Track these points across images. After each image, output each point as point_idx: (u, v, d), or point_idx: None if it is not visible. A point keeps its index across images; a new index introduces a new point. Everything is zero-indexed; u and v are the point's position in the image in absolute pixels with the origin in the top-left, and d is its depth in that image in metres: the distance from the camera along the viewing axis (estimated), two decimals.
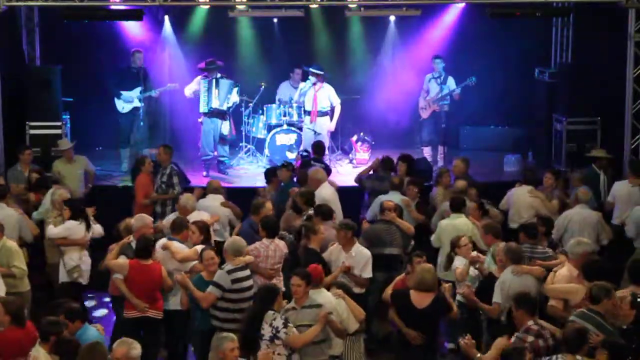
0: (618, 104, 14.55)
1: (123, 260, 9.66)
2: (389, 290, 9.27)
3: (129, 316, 9.52)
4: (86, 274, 10.84)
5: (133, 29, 16.43)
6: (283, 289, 9.27)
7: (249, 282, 9.19)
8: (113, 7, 14.13)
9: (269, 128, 16.09)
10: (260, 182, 13.33)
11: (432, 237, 11.12)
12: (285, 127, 15.92)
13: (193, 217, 10.78)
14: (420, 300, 8.57)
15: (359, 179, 13.22)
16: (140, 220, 10.24)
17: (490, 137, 17.52)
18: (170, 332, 9.94)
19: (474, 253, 9.94)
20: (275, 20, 17.05)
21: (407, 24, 17.01)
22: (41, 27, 15.79)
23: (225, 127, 15.62)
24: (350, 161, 16.36)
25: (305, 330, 8.26)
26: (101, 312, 11.71)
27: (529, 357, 7.31)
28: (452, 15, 16.82)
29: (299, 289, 8.42)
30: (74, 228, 10.78)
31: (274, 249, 9.93)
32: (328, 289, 8.94)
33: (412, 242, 11.15)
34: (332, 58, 17.14)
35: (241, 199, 12.27)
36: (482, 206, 11.24)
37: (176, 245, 9.85)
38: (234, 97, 15.57)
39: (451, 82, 15.80)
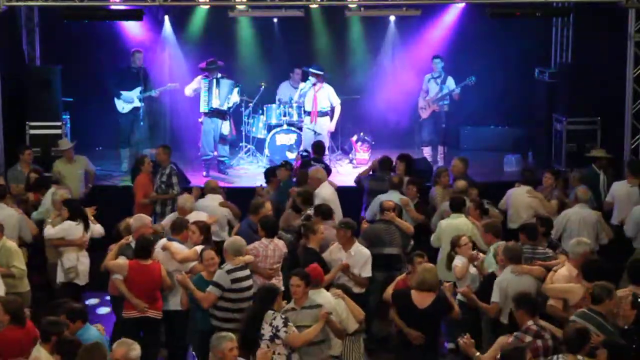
0: (618, 104, 14.55)
1: (122, 260, 9.65)
2: (389, 290, 9.27)
3: (128, 316, 9.51)
4: (83, 274, 10.81)
5: (133, 29, 16.44)
6: (282, 288, 9.27)
7: (249, 282, 9.19)
8: (113, 7, 14.14)
9: (269, 128, 16.10)
10: (260, 182, 13.31)
11: (432, 237, 11.13)
12: (285, 127, 15.92)
13: (191, 217, 10.77)
14: (422, 300, 8.57)
15: (358, 179, 13.24)
16: (139, 220, 10.24)
17: (490, 137, 17.52)
18: (170, 332, 9.94)
19: (473, 251, 9.96)
20: (275, 20, 17.06)
21: (407, 24, 17.01)
22: (41, 27, 15.79)
23: (226, 127, 15.62)
24: (350, 161, 16.36)
25: (305, 330, 8.26)
26: (104, 309, 11.68)
27: (529, 357, 7.31)
28: (452, 15, 16.82)
29: (298, 289, 8.42)
30: (72, 229, 10.77)
31: (273, 248, 9.93)
32: (327, 289, 8.95)
33: (412, 242, 11.16)
34: (332, 58, 17.14)
35: (241, 199, 12.27)
36: (482, 206, 11.24)
37: (176, 245, 9.85)
38: (235, 98, 15.57)
39: (451, 82, 15.81)
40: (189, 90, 15.55)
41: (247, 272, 9.22)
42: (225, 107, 15.45)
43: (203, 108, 15.38)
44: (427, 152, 15.97)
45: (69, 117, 15.68)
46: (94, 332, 8.08)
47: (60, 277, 10.83)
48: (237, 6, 15.27)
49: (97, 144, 16.78)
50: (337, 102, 15.68)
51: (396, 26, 17.27)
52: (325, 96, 15.60)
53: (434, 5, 16.41)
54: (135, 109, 15.67)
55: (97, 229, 11.06)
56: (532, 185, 12.32)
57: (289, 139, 15.90)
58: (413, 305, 8.57)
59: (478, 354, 7.75)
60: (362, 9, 15.61)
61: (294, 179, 12.60)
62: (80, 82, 16.09)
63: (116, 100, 15.65)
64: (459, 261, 9.94)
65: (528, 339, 7.71)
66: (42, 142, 14.64)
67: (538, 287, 8.99)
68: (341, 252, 9.97)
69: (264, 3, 14.64)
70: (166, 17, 16.82)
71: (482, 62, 16.43)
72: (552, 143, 15.92)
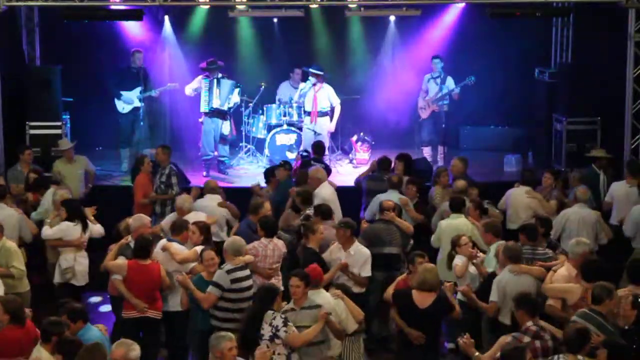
0: (618, 104, 14.56)
1: (121, 260, 9.64)
2: (390, 290, 9.26)
3: (128, 316, 9.50)
4: (81, 275, 10.78)
5: (133, 29, 16.44)
6: (282, 288, 9.27)
7: (249, 282, 9.19)
8: (113, 7, 14.14)
9: (269, 128, 16.10)
10: (256, 180, 13.30)
11: (432, 238, 11.12)
12: (285, 127, 15.92)
13: (190, 217, 10.77)
14: (422, 300, 8.57)
15: (357, 181, 13.24)
16: (138, 220, 10.24)
17: (490, 137, 17.52)
18: (170, 333, 9.94)
19: (472, 249, 9.96)
20: (275, 20, 17.06)
21: (407, 24, 17.01)
22: (41, 27, 15.79)
23: (226, 127, 15.63)
24: (350, 161, 16.36)
25: (305, 331, 8.25)
26: (106, 307, 11.65)
27: (529, 358, 7.31)
28: (452, 15, 16.82)
29: (298, 289, 8.41)
30: (69, 229, 10.75)
31: (273, 248, 9.93)
32: (327, 289, 8.94)
33: (411, 242, 11.16)
34: (332, 58, 17.14)
35: (241, 199, 12.27)
36: (481, 206, 11.23)
37: (176, 246, 9.84)
38: (235, 98, 15.58)
39: (450, 82, 15.82)
40: (189, 90, 15.55)
41: (247, 272, 9.23)
42: (225, 107, 15.46)
43: (203, 108, 15.38)
44: (427, 152, 15.97)
45: (69, 117, 15.69)
46: (95, 332, 8.08)
47: (57, 278, 10.82)
48: (237, 6, 15.27)
49: (97, 144, 16.78)
50: (337, 102, 15.68)
51: (396, 26, 17.27)
52: (325, 96, 15.60)
53: (434, 5, 16.41)
54: (136, 109, 15.67)
55: (97, 229, 11.05)
56: (531, 185, 12.32)
57: (289, 139, 15.91)
58: (414, 305, 8.57)
59: (477, 353, 7.75)
60: (362, 9, 15.61)
61: (293, 179, 12.61)
62: (80, 82, 16.10)
63: (116, 101, 15.65)
64: (459, 260, 9.95)
65: (526, 339, 7.71)
66: (42, 142, 14.64)
67: (538, 287, 8.99)
68: (341, 251, 9.98)
69: (264, 3, 14.64)
70: (166, 17, 16.82)
71: (482, 62, 16.43)
72: (552, 143, 15.92)
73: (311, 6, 15.65)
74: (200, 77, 15.48)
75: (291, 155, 15.39)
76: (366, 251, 10.03)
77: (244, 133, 16.34)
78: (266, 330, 8.09)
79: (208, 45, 16.73)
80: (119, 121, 15.78)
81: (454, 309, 8.75)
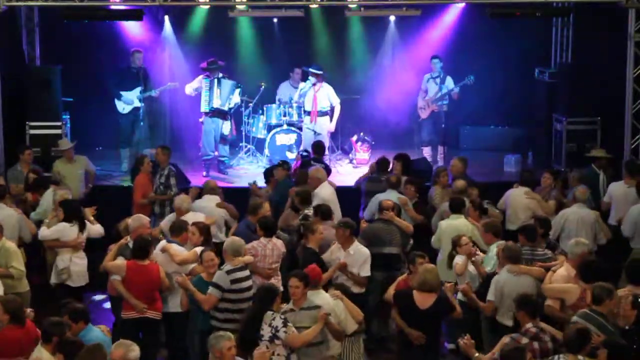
0: (618, 104, 14.56)
1: (120, 261, 9.63)
2: (391, 291, 9.25)
3: (127, 317, 9.49)
4: (78, 275, 10.73)
5: (133, 29, 16.44)
6: (281, 288, 9.27)
7: (249, 283, 9.18)
8: (113, 7, 14.14)
9: (269, 128, 16.10)
10: (259, 182, 13.30)
11: (433, 239, 11.10)
12: (285, 127, 15.92)
13: (188, 217, 10.76)
14: (423, 300, 8.56)
15: (357, 182, 13.23)
16: (137, 220, 10.21)
17: (490, 137, 17.52)
18: (170, 334, 9.92)
19: (472, 247, 9.96)
20: (275, 20, 17.06)
21: (407, 24, 17.01)
22: (41, 27, 15.79)
23: (227, 127, 15.63)
24: (350, 161, 16.36)
25: (304, 331, 8.25)
26: (109, 305, 11.65)
27: (529, 358, 7.31)
28: (452, 15, 16.82)
29: (297, 290, 8.41)
30: (65, 230, 10.71)
31: (272, 248, 9.93)
32: (326, 289, 8.94)
33: (411, 241, 11.15)
34: (332, 58, 17.14)
35: (240, 199, 12.28)
36: (481, 206, 11.23)
37: (175, 247, 9.81)
38: (236, 98, 15.58)
39: (449, 82, 15.83)
40: (189, 89, 15.55)
41: (246, 272, 9.22)
42: (226, 108, 15.46)
43: (204, 108, 15.39)
44: (427, 152, 15.98)
45: (69, 117, 15.69)
46: (96, 333, 8.08)
47: (53, 278, 10.79)
48: (237, 6, 15.27)
49: (97, 144, 16.78)
50: (336, 101, 15.68)
51: (396, 26, 17.27)
52: (325, 96, 15.60)
53: (434, 5, 16.41)
54: (136, 109, 15.67)
55: (96, 229, 11.02)
56: (530, 185, 12.31)
57: (289, 139, 15.91)
58: (414, 306, 8.56)
59: (478, 354, 7.75)
60: (362, 9, 15.61)
61: (293, 179, 12.61)
62: (80, 82, 16.10)
63: (116, 101, 15.65)
64: (459, 259, 9.95)
65: (525, 340, 7.71)
66: (42, 142, 14.64)
67: (537, 288, 8.99)
68: (341, 251, 9.98)
69: (264, 3, 14.64)
70: (166, 17, 16.82)
71: (482, 62, 16.43)
72: (552, 143, 15.92)
73: (311, 6, 15.65)
74: (200, 76, 15.48)
75: (291, 155, 15.40)
76: (365, 251, 10.03)
77: (244, 133, 16.34)
78: (266, 331, 8.09)
79: (208, 45, 16.73)
80: (119, 121, 15.78)
81: (454, 310, 8.75)
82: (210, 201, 11.85)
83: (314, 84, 15.51)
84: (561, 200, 12.05)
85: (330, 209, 10.94)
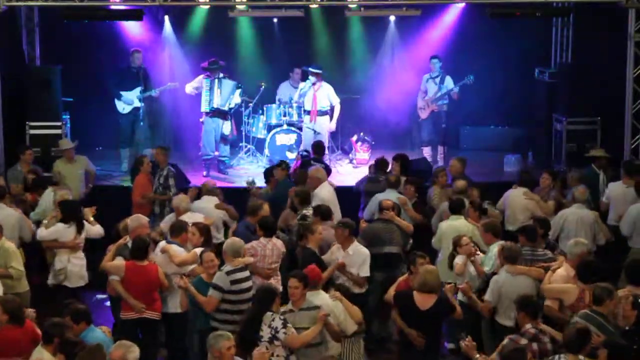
0: (618, 104, 14.56)
1: (119, 261, 9.62)
2: (391, 291, 9.24)
3: (126, 317, 9.48)
4: (75, 276, 10.72)
5: (133, 29, 16.44)
6: (281, 288, 9.27)
7: (248, 283, 9.17)
8: (113, 7, 14.15)
9: (269, 128, 16.10)
10: (259, 182, 13.30)
11: (433, 240, 11.09)
12: (285, 127, 15.92)
13: (186, 217, 10.75)
14: (423, 301, 8.55)
15: (357, 184, 13.23)
16: (136, 220, 10.19)
17: (490, 137, 17.52)
18: (169, 334, 9.92)
19: (472, 247, 9.96)
20: (275, 20, 17.05)
21: (407, 24, 17.01)
22: (41, 27, 15.79)
23: (227, 127, 15.63)
24: (350, 161, 16.36)
25: (303, 332, 8.25)
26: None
27: (529, 358, 7.31)
28: (452, 15, 16.81)
29: (297, 291, 8.40)
30: (62, 231, 10.69)
31: (272, 248, 9.93)
32: (326, 289, 8.93)
33: (411, 241, 11.15)
34: (332, 58, 17.14)
35: (240, 199, 12.28)
36: (481, 207, 11.22)
37: (174, 248, 9.79)
38: (236, 99, 15.59)
39: (449, 82, 15.83)
40: (189, 88, 15.56)
41: (246, 273, 9.21)
42: (226, 108, 15.46)
43: (204, 108, 15.39)
44: (427, 152, 15.98)
45: (69, 117, 15.69)
46: (98, 334, 8.09)
47: (50, 279, 10.79)
48: (237, 6, 15.26)
49: (97, 144, 16.78)
50: (336, 101, 15.68)
51: (396, 26, 17.27)
52: (325, 95, 15.61)
53: (434, 5, 16.41)
54: (136, 109, 15.67)
55: (95, 229, 11.01)
56: (529, 186, 12.29)
57: (289, 139, 15.90)
58: (415, 307, 8.55)
59: (478, 355, 7.74)
60: (362, 9, 15.60)
61: (292, 179, 12.61)
62: (80, 82, 16.10)
63: (116, 101, 15.65)
64: (459, 259, 9.95)
65: (523, 341, 7.71)
66: (42, 142, 14.65)
67: (536, 289, 8.99)
68: (341, 251, 9.98)
69: (264, 3, 14.64)
70: (166, 17, 16.82)
71: (482, 62, 16.43)
72: (552, 143, 15.92)
73: (311, 6, 15.65)
74: (201, 76, 15.48)
75: (291, 155, 15.40)
76: (365, 251, 10.02)
77: (244, 133, 16.34)
78: (265, 332, 8.09)
79: (208, 45, 16.73)
80: (119, 121, 15.78)
81: (455, 311, 8.74)
82: (210, 202, 11.84)
83: (313, 84, 15.52)
84: (560, 200, 12.04)
85: (330, 209, 10.93)
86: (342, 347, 8.73)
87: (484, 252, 10.06)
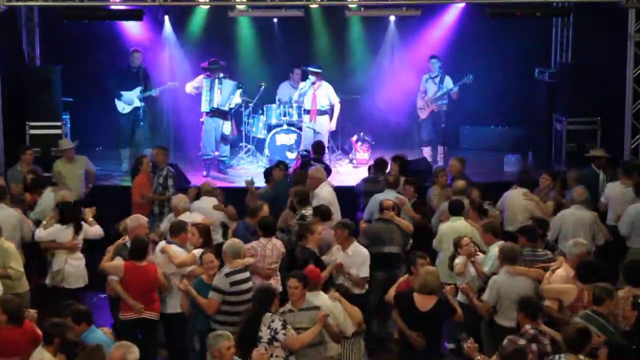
0: (618, 104, 14.56)
1: (118, 262, 9.61)
2: (392, 292, 9.24)
3: (125, 318, 9.48)
4: (73, 277, 10.70)
5: (133, 29, 16.44)
6: (280, 288, 9.26)
7: (248, 285, 9.15)
8: (113, 7, 14.15)
9: (269, 128, 16.10)
10: (259, 182, 13.31)
11: (434, 241, 11.08)
12: (285, 127, 15.92)
13: (185, 217, 10.74)
14: (424, 302, 8.55)
15: (357, 186, 13.22)
16: (135, 220, 10.18)
17: (490, 137, 17.52)
18: (169, 334, 9.91)
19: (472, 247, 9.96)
20: (275, 20, 17.05)
21: (407, 24, 17.01)
22: (41, 27, 15.78)
23: (227, 127, 15.63)
24: (350, 161, 16.36)
25: (302, 333, 8.24)
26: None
27: (530, 358, 7.31)
28: (452, 15, 16.82)
29: (296, 291, 8.39)
30: (60, 232, 10.69)
31: (271, 248, 9.93)
32: (325, 289, 8.93)
33: (411, 241, 11.15)
34: (332, 58, 17.14)
35: (240, 199, 12.27)
36: (481, 207, 11.21)
37: (174, 249, 9.77)
38: (237, 99, 15.59)
39: (448, 82, 15.84)
40: (189, 88, 15.56)
41: (246, 274, 9.20)
42: (227, 108, 15.46)
43: (205, 107, 15.39)
44: (426, 152, 15.98)
45: (69, 117, 15.68)
46: (99, 335, 8.08)
47: (48, 280, 10.79)
48: (237, 6, 15.26)
49: (97, 144, 16.78)
50: (336, 100, 15.69)
51: (396, 26, 17.27)
52: (325, 95, 15.61)
53: (434, 5, 16.41)
54: (136, 109, 15.67)
55: (95, 230, 10.99)
56: (529, 186, 12.27)
57: (289, 139, 15.91)
58: (415, 308, 8.54)
59: (479, 357, 7.73)
60: (362, 9, 15.60)
61: (291, 179, 12.60)
62: (80, 82, 16.10)
63: (116, 101, 15.66)
64: (459, 259, 9.96)
65: (522, 342, 7.71)
66: (42, 142, 14.64)
67: (535, 289, 8.99)
68: (340, 252, 9.97)
69: (264, 3, 14.64)
70: (166, 17, 16.81)
71: (482, 62, 16.43)
72: (552, 143, 15.92)
73: (311, 6, 15.65)
74: (201, 76, 15.49)
75: (291, 155, 15.41)
76: (365, 252, 10.02)
77: (244, 133, 16.34)
78: (265, 333, 8.08)
79: (208, 45, 16.73)
80: (119, 121, 15.78)
81: (455, 312, 8.74)
82: (209, 202, 11.83)
83: (313, 83, 15.52)
84: (560, 201, 12.03)
85: (330, 209, 10.92)
86: (342, 347, 8.73)
87: (484, 252, 10.05)
